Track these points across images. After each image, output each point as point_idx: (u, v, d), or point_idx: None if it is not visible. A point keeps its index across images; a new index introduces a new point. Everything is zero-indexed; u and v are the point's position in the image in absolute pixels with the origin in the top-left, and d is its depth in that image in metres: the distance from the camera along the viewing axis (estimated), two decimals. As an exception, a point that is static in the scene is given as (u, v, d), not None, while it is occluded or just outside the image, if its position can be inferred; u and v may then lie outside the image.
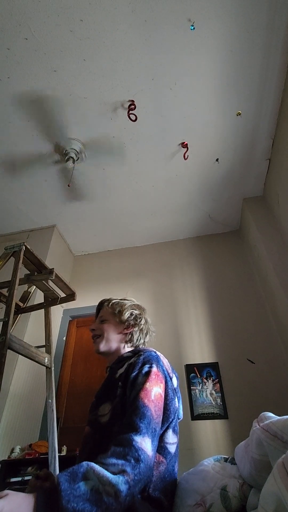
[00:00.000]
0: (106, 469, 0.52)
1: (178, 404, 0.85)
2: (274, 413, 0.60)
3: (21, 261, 1.43)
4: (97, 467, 0.52)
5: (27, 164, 2.41)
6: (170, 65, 1.83)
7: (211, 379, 2.26)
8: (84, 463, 0.53)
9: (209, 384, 2.24)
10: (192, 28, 1.66)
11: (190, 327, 2.59)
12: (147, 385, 0.70)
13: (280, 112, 2.10)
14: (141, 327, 0.99)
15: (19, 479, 1.73)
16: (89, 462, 0.53)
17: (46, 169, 2.46)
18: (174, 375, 0.87)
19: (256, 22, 1.66)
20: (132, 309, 1.01)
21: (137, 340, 0.96)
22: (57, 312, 2.84)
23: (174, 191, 2.76)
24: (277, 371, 2.19)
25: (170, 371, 0.85)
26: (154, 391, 0.70)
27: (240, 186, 2.72)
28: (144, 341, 0.99)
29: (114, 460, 0.54)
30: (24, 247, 1.48)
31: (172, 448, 0.74)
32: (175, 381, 0.86)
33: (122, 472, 0.52)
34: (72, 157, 2.22)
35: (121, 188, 2.69)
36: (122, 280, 3.13)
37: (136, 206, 2.91)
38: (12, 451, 1.86)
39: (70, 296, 1.75)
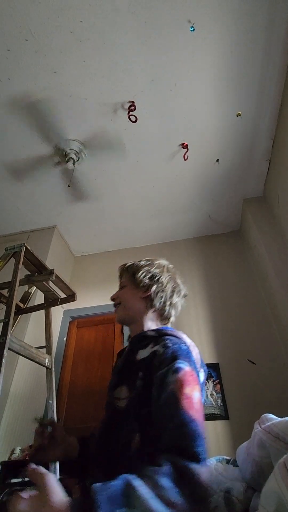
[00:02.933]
0: (155, 492, 0.40)
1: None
2: (275, 414, 0.60)
3: (21, 262, 1.43)
4: (142, 491, 0.40)
5: (28, 165, 2.41)
6: (170, 66, 1.83)
7: (212, 379, 2.26)
8: (125, 479, 0.42)
9: (210, 385, 2.23)
10: (192, 29, 1.66)
11: (190, 328, 2.59)
12: (187, 390, 0.56)
13: (280, 113, 2.11)
14: (162, 286, 0.83)
15: (20, 480, 1.72)
16: (130, 479, 0.42)
17: (47, 170, 2.46)
18: (202, 369, 0.74)
19: (256, 23, 1.66)
20: (149, 267, 0.86)
21: (160, 303, 0.82)
22: (58, 313, 2.84)
23: (174, 192, 2.76)
24: (278, 371, 2.18)
25: (199, 365, 0.72)
26: (195, 397, 0.56)
27: (240, 186, 2.72)
28: (171, 303, 0.83)
29: (168, 483, 0.41)
30: (24, 247, 1.48)
31: None
32: (202, 376, 0.73)
33: (173, 506, 0.40)
34: (72, 158, 2.22)
35: (121, 189, 2.69)
36: (123, 280, 3.12)
37: (136, 206, 2.91)
38: (12, 452, 1.86)
39: (71, 297, 1.75)
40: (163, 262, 0.92)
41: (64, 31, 1.65)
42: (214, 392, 2.20)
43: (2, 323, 1.19)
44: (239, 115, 2.12)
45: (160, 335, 0.72)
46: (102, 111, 2.05)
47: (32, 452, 0.73)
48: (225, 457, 0.75)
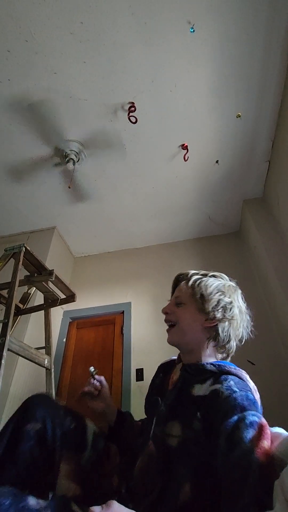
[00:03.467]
0: None
1: None
2: (275, 415, 0.60)
3: (21, 262, 1.43)
4: None
5: (28, 166, 2.42)
6: (170, 67, 1.84)
7: (212, 381, 2.25)
8: None
9: (210, 386, 2.23)
10: (191, 30, 1.67)
11: (190, 329, 2.59)
12: (265, 444, 0.50)
13: (280, 114, 2.11)
14: (232, 321, 0.72)
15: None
16: None
17: (47, 171, 2.46)
18: None
19: (255, 24, 1.67)
20: (221, 295, 0.73)
21: (224, 339, 0.71)
22: (57, 314, 2.84)
23: (174, 193, 2.76)
24: (278, 372, 2.18)
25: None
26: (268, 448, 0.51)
27: (240, 187, 2.72)
28: (235, 336, 0.73)
29: None
30: (24, 248, 1.48)
31: None
32: None
33: None
34: (72, 159, 2.22)
35: (121, 190, 2.70)
36: (122, 281, 3.12)
37: (136, 207, 2.91)
38: (11, 453, 1.85)
39: (70, 298, 1.75)
40: (232, 285, 0.79)
41: (64, 32, 1.65)
42: (214, 393, 2.19)
43: (1, 324, 1.19)
44: (239, 116, 2.12)
45: (221, 372, 0.65)
46: (102, 112, 2.05)
47: (80, 394, 0.78)
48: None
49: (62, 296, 1.78)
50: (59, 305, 1.74)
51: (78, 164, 2.35)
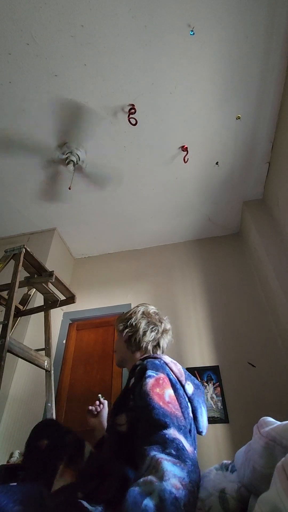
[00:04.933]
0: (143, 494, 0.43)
1: (200, 416, 0.79)
2: (275, 416, 0.60)
3: (21, 263, 1.43)
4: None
5: (28, 167, 2.42)
6: (170, 69, 1.85)
7: (212, 382, 2.25)
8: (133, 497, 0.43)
9: (210, 388, 2.22)
10: (191, 33, 1.68)
11: (190, 330, 2.58)
12: (157, 390, 0.66)
13: (280, 116, 2.12)
14: (132, 329, 0.96)
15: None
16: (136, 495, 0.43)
17: (47, 172, 2.47)
18: (190, 382, 0.82)
19: (255, 27, 1.68)
20: (125, 314, 1.03)
21: (135, 343, 0.93)
22: (57, 315, 2.84)
23: (174, 194, 2.77)
24: (278, 374, 2.17)
25: (183, 378, 0.80)
26: (166, 393, 0.67)
27: (240, 189, 2.73)
28: (147, 341, 0.93)
29: (150, 477, 0.45)
30: (24, 249, 1.48)
31: None
32: (190, 388, 0.80)
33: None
34: (72, 161, 2.23)
35: (121, 191, 2.70)
36: (123, 283, 3.12)
37: (136, 209, 2.92)
38: (11, 455, 1.85)
39: (70, 299, 1.75)
40: (141, 308, 1.02)
41: (65, 35, 1.66)
42: (214, 395, 2.19)
43: (1, 325, 1.19)
44: (239, 118, 2.13)
45: (143, 360, 0.82)
46: (103, 114, 2.06)
47: (87, 409, 1.05)
48: (225, 461, 0.75)
49: (62, 297, 1.78)
50: (59, 306, 1.73)
51: (78, 166, 2.36)
